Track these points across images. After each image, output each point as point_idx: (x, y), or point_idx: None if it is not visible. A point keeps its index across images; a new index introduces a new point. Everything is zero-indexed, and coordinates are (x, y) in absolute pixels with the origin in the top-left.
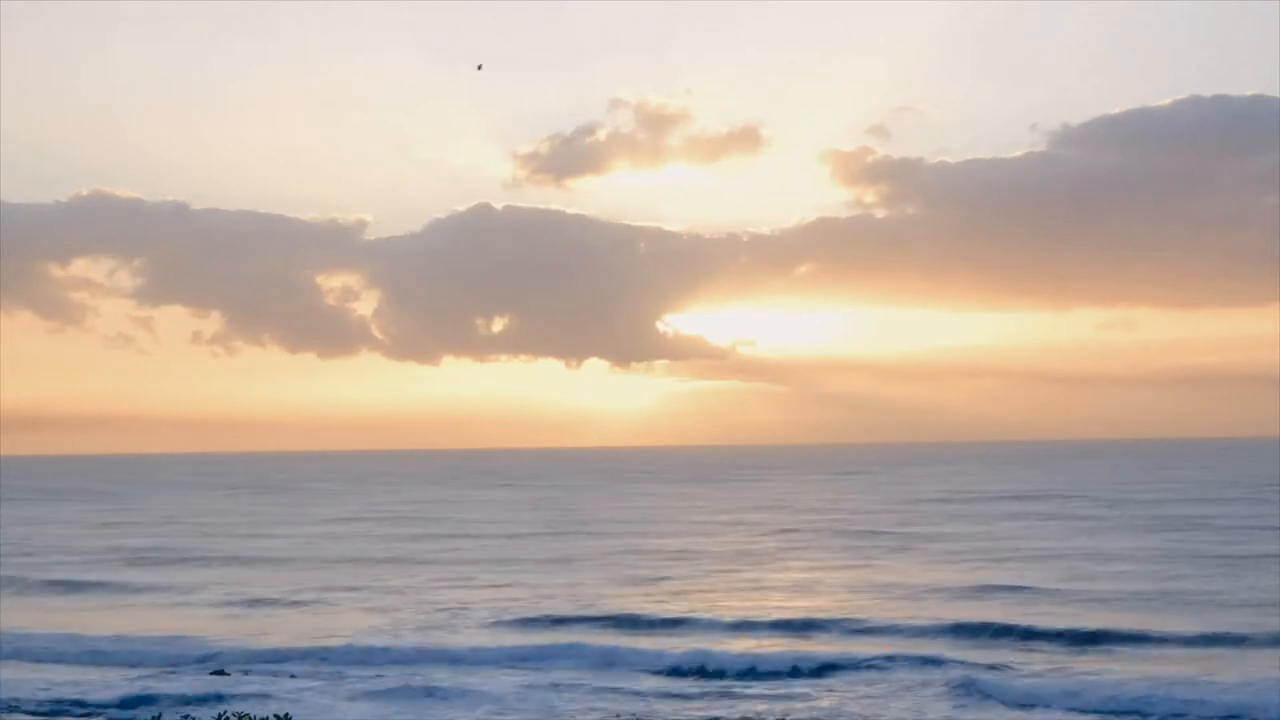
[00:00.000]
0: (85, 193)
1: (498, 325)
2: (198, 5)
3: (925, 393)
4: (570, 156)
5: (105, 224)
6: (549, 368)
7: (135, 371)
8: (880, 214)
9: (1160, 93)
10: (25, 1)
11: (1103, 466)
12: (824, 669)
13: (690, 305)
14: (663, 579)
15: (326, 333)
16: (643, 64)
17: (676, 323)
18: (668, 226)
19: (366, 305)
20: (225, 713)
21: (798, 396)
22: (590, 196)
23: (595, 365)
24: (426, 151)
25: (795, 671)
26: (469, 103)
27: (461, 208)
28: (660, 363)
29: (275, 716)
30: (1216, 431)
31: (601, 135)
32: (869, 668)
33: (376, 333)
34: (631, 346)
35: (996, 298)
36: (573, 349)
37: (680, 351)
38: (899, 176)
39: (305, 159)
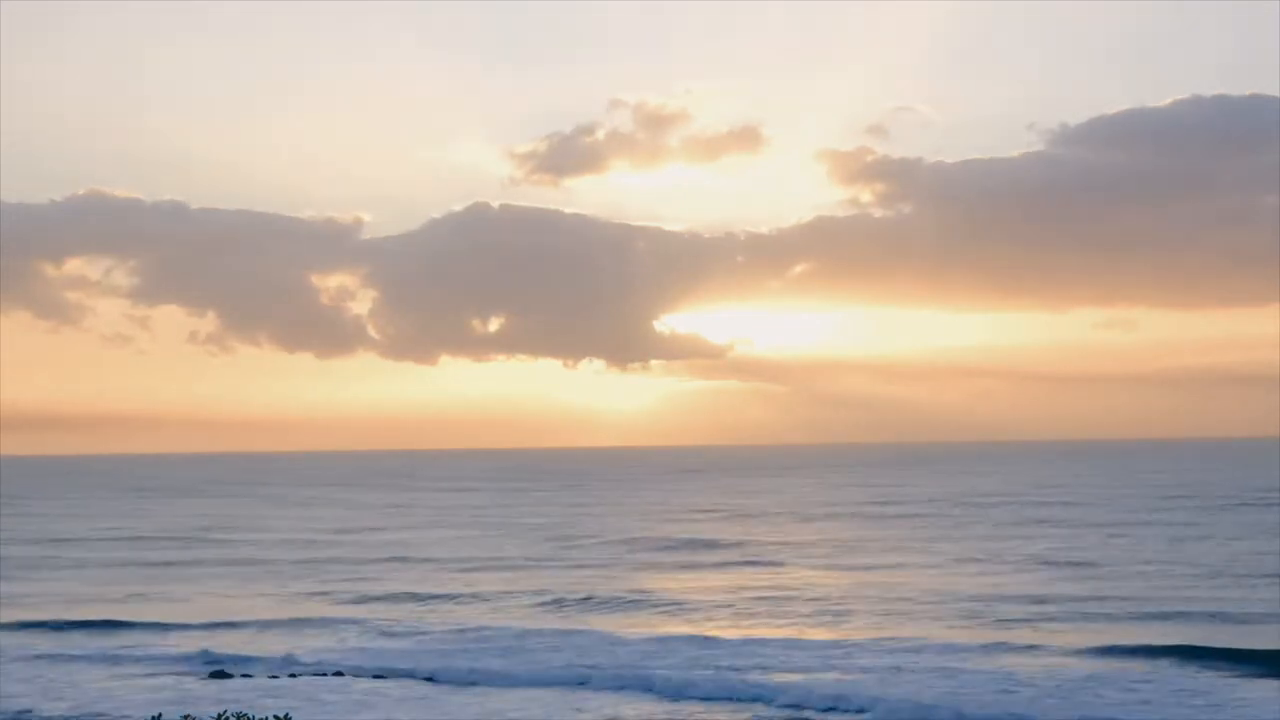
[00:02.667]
0: (82, 192)
1: (495, 325)
2: (196, 5)
3: (923, 392)
4: (569, 156)
5: (103, 224)
6: (546, 367)
7: (131, 371)
8: (878, 214)
9: (1160, 93)
10: (24, 2)
11: (1052, 468)
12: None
13: (688, 304)
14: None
15: (323, 332)
16: (642, 64)
17: (674, 322)
18: (666, 226)
19: (363, 304)
20: (225, 713)
21: (795, 396)
22: (588, 196)
23: (593, 365)
24: (424, 150)
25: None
26: (467, 102)
27: (459, 207)
28: (658, 362)
29: (275, 717)
30: (1215, 431)
31: (600, 135)
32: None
33: (373, 332)
34: (629, 346)
35: (994, 297)
36: (570, 348)
37: (678, 351)
38: (897, 176)
39: (303, 158)
